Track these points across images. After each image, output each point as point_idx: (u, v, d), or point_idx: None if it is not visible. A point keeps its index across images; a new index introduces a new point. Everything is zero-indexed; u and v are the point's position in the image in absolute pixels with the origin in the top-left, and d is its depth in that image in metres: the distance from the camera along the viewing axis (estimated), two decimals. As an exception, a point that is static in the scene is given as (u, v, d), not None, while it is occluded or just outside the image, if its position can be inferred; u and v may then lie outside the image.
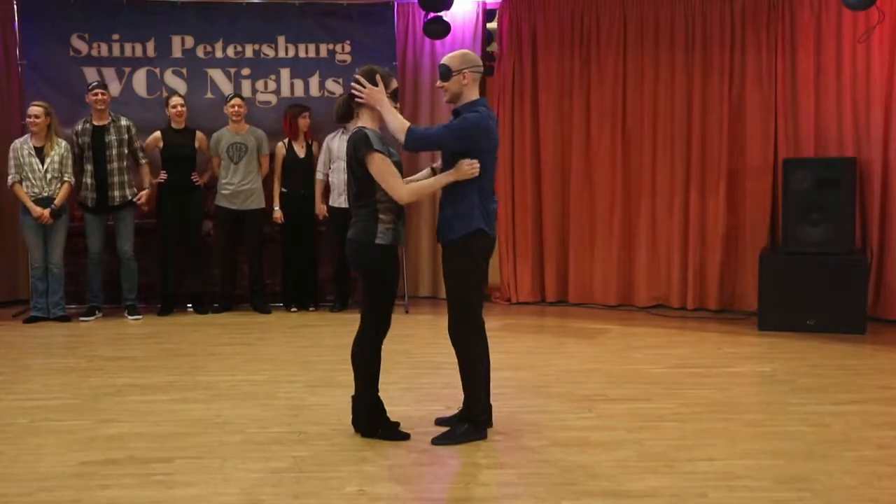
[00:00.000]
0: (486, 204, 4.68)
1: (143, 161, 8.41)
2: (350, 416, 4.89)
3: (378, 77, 4.63)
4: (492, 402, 4.93)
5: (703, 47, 8.55)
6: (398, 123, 4.63)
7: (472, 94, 4.71)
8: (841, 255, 7.49)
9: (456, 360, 4.82)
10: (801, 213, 7.66)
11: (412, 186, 4.67)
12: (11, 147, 8.09)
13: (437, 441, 4.72)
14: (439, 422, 5.00)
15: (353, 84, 4.64)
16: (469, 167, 4.58)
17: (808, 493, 4.02)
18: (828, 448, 4.64)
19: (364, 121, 4.68)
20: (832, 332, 7.36)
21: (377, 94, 4.59)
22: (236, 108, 8.47)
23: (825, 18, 8.12)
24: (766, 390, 5.97)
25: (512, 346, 7.21)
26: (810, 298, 7.49)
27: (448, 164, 4.68)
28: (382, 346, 4.78)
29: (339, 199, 8.37)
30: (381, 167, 4.55)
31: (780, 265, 7.66)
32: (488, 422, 4.88)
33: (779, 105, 8.31)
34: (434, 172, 4.84)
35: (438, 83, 4.77)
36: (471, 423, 4.79)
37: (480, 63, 4.80)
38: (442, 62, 4.74)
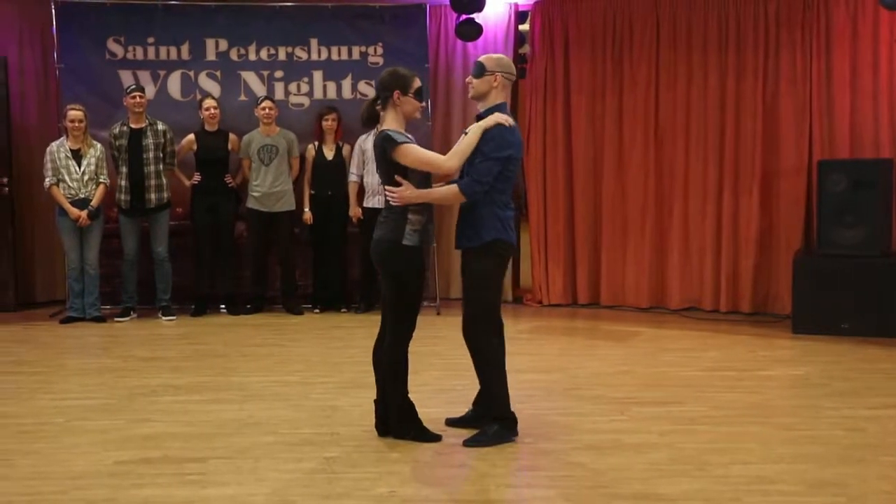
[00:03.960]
0: (500, 212, 4.70)
1: (174, 167, 8.50)
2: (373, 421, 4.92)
3: (396, 93, 4.65)
4: (522, 404, 4.92)
5: (736, 48, 8.48)
6: (447, 192, 4.70)
7: (499, 98, 4.74)
8: (876, 258, 7.42)
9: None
10: (835, 215, 7.59)
11: (453, 152, 4.63)
12: (48, 150, 8.18)
13: (469, 443, 4.72)
14: (450, 422, 5.02)
15: (386, 191, 4.66)
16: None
17: (843, 497, 3.99)
18: (863, 452, 4.59)
19: (388, 123, 4.69)
20: (867, 336, 7.28)
21: (408, 193, 4.59)
22: (267, 110, 8.52)
23: (861, 18, 8.05)
24: (800, 394, 5.92)
25: (543, 349, 7.20)
26: (845, 301, 7.42)
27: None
28: (411, 349, 4.78)
29: (373, 200, 8.38)
30: (414, 155, 4.58)
31: (814, 268, 7.59)
32: (516, 421, 4.86)
33: (813, 106, 8.24)
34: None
35: (469, 78, 4.80)
36: (500, 423, 4.78)
37: (514, 71, 4.87)
38: (478, 59, 4.80)
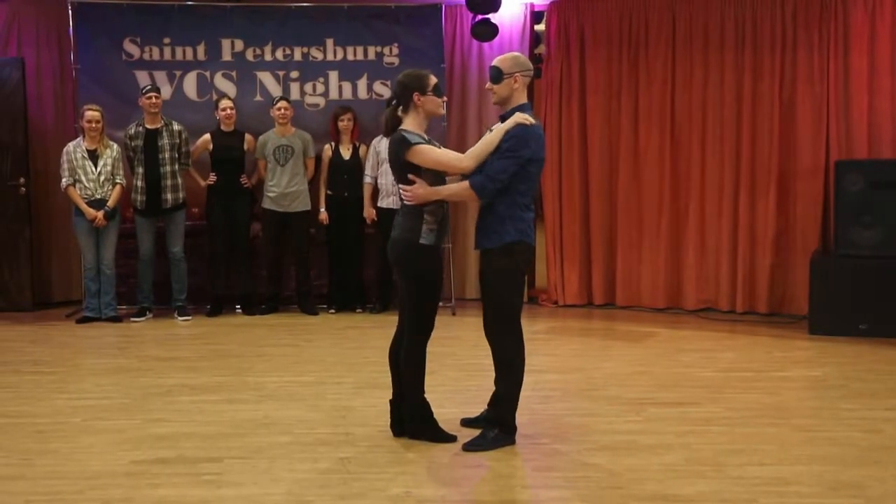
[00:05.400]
0: (521, 214, 4.65)
1: (188, 167, 8.52)
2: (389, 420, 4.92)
3: (416, 95, 4.64)
4: (538, 405, 4.91)
5: (753, 48, 8.44)
6: (458, 189, 4.64)
7: (521, 98, 4.70)
8: (894, 259, 7.37)
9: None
10: (853, 215, 7.55)
11: (470, 153, 4.62)
12: (65, 150, 8.22)
13: (468, 447, 4.68)
14: (465, 422, 5.01)
15: (400, 190, 4.65)
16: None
17: (861, 499, 3.96)
18: (881, 454, 4.56)
19: (407, 124, 4.68)
20: (885, 337, 7.23)
21: (421, 190, 4.58)
22: (282, 110, 8.52)
23: (879, 18, 8.00)
24: (817, 395, 5.89)
25: (559, 349, 7.19)
26: (863, 302, 7.37)
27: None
28: (427, 349, 4.78)
29: (388, 201, 8.39)
30: (427, 155, 4.57)
31: (831, 268, 7.55)
32: (516, 429, 4.84)
33: (831, 106, 8.19)
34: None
35: (488, 85, 4.75)
36: (501, 428, 4.75)
37: (531, 67, 4.79)
38: (493, 64, 4.72)
